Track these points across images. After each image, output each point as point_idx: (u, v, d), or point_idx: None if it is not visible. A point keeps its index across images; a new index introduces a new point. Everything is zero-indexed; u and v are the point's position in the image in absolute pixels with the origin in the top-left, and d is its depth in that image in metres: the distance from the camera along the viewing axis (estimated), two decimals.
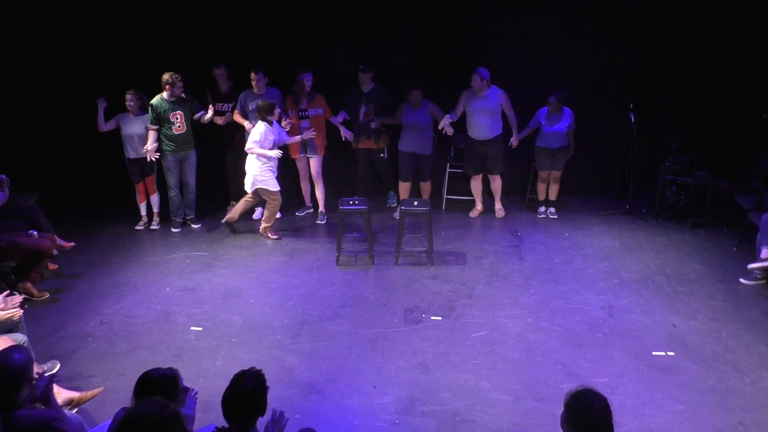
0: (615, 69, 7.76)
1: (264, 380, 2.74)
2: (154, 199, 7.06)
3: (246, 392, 2.65)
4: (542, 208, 7.46)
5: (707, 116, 7.59)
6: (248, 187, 6.58)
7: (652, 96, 7.88)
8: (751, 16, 7.12)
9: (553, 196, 7.43)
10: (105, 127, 6.80)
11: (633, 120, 7.24)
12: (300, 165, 7.28)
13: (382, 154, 7.47)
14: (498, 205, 7.46)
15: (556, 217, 7.36)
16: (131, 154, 6.80)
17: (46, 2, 7.28)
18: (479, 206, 7.49)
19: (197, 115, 6.81)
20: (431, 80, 7.40)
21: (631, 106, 7.30)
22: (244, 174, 6.61)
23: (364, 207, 6.16)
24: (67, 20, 7.40)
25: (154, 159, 6.66)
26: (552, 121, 7.09)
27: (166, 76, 6.56)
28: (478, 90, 6.85)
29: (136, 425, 2.25)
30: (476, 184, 7.41)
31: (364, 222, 6.30)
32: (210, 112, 6.83)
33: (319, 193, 7.26)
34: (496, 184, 7.37)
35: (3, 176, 5.36)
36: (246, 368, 2.78)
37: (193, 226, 7.09)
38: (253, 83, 6.78)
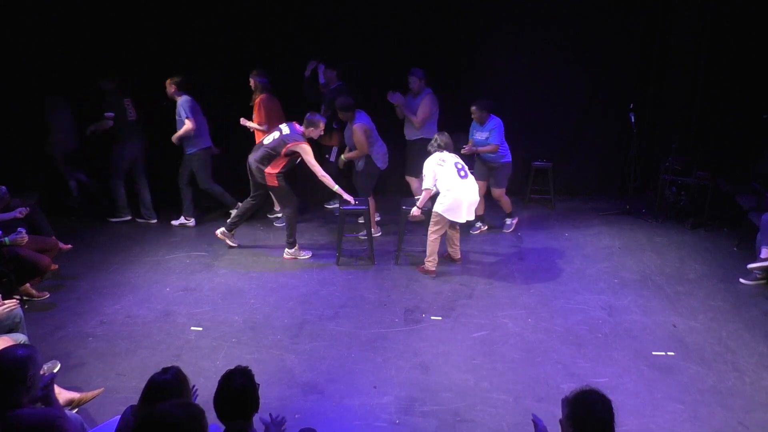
0: (615, 69, 7.77)
1: (252, 377, 2.75)
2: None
3: (235, 390, 2.67)
4: (478, 223, 6.96)
5: (707, 116, 7.59)
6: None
7: (652, 96, 7.88)
8: (750, 16, 7.12)
9: (506, 209, 7.02)
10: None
11: (633, 120, 7.24)
12: None
13: (327, 155, 7.14)
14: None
15: (484, 229, 7.00)
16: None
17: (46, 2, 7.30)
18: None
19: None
20: (432, 84, 7.38)
21: (631, 106, 7.30)
22: None
23: (364, 207, 6.16)
24: (66, 17, 7.40)
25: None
26: (476, 131, 6.63)
27: None
28: (416, 92, 6.79)
29: (162, 425, 2.25)
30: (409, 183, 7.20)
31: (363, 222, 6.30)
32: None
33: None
34: (412, 186, 7.08)
35: (3, 188, 5.39)
36: (232, 366, 2.79)
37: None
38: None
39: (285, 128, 6.05)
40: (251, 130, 6.93)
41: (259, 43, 7.76)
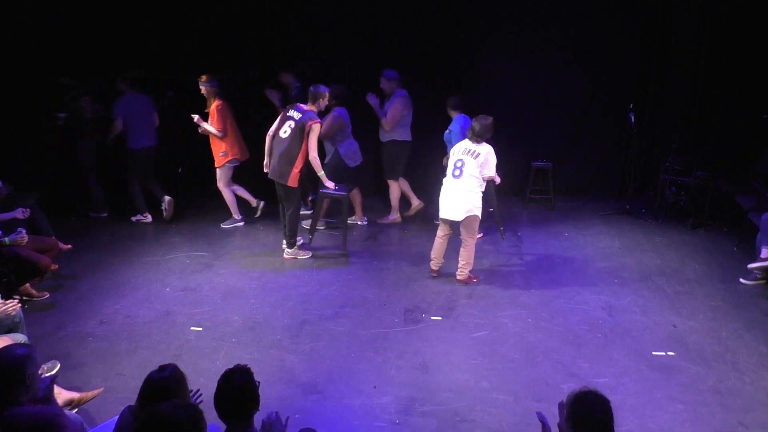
0: (615, 69, 7.77)
1: (252, 376, 2.74)
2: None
3: (234, 390, 2.66)
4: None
5: (707, 116, 7.59)
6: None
7: (652, 96, 7.88)
8: (750, 16, 7.12)
9: None
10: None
11: (633, 120, 7.24)
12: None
13: None
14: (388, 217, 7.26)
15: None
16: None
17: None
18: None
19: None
20: (432, 84, 7.40)
21: (631, 106, 7.30)
22: None
23: (343, 193, 6.24)
24: (66, 18, 7.41)
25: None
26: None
27: None
28: (388, 93, 6.81)
29: (162, 425, 2.25)
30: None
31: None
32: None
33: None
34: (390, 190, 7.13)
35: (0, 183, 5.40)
36: (232, 366, 2.78)
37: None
38: None
39: (294, 113, 5.93)
40: (205, 133, 6.74)
41: (259, 43, 7.76)
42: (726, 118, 7.39)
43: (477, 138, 5.49)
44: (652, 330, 4.87)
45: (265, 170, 6.18)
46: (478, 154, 5.45)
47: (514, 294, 5.50)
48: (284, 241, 6.27)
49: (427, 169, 7.38)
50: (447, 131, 6.58)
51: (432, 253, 5.81)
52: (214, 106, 6.66)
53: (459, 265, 5.64)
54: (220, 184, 6.93)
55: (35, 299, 5.31)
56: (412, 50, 7.72)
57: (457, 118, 6.53)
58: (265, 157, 6.15)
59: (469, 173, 5.45)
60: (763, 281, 5.60)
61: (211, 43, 7.70)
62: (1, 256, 4.88)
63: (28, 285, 5.26)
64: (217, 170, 6.88)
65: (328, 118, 6.40)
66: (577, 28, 7.63)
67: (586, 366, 4.40)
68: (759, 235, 5.65)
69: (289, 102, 6.52)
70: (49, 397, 2.96)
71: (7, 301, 4.00)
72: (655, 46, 7.76)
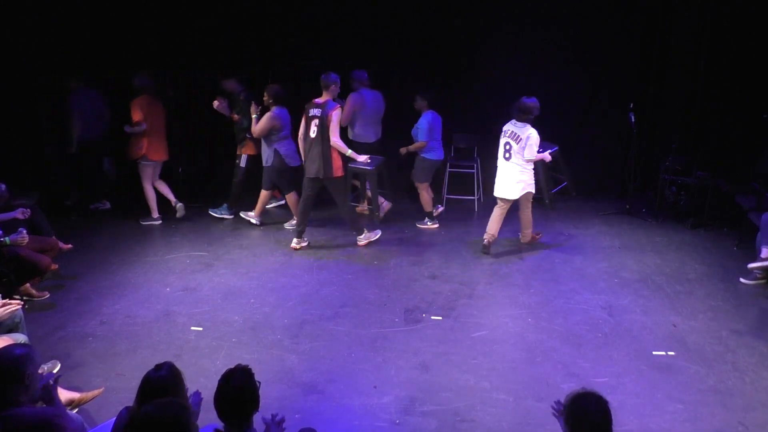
0: (615, 69, 7.77)
1: (252, 375, 2.74)
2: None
3: (235, 390, 2.66)
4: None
5: (707, 116, 7.59)
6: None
7: (652, 96, 7.88)
8: (750, 16, 7.12)
9: (424, 206, 7.07)
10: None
11: (633, 120, 7.24)
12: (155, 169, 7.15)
13: (237, 161, 7.10)
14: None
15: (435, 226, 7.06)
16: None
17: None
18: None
19: None
20: (432, 84, 7.39)
21: (631, 106, 7.30)
22: None
23: (370, 167, 6.57)
24: (66, 18, 7.41)
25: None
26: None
27: None
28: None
29: (151, 425, 2.25)
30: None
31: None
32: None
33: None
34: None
35: (2, 186, 5.39)
36: (232, 366, 2.78)
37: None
38: None
39: (314, 109, 6.07)
40: (131, 132, 6.80)
41: (259, 43, 7.76)
42: (726, 118, 7.39)
43: (522, 115, 6.01)
44: (652, 330, 4.87)
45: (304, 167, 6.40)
46: (520, 138, 6.01)
47: (514, 294, 5.50)
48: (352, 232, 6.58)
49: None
50: (414, 128, 6.81)
51: (487, 227, 6.32)
52: (136, 100, 6.74)
53: (521, 230, 6.48)
54: (142, 181, 7.08)
55: (35, 299, 5.31)
56: (412, 50, 7.72)
57: (425, 114, 6.75)
58: (303, 158, 6.34)
59: (516, 155, 6.06)
60: (763, 281, 5.60)
61: (211, 43, 7.71)
62: (1, 256, 4.88)
63: (28, 285, 5.26)
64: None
65: (265, 117, 6.46)
66: (577, 28, 7.63)
67: (586, 366, 4.40)
68: (759, 234, 5.65)
69: (236, 109, 6.81)
70: (52, 397, 2.96)
71: (11, 301, 3.99)
72: (655, 46, 7.76)
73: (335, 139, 6.03)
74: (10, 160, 6.96)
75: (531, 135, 5.97)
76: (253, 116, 6.53)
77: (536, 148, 6.03)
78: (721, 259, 6.19)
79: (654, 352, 4.55)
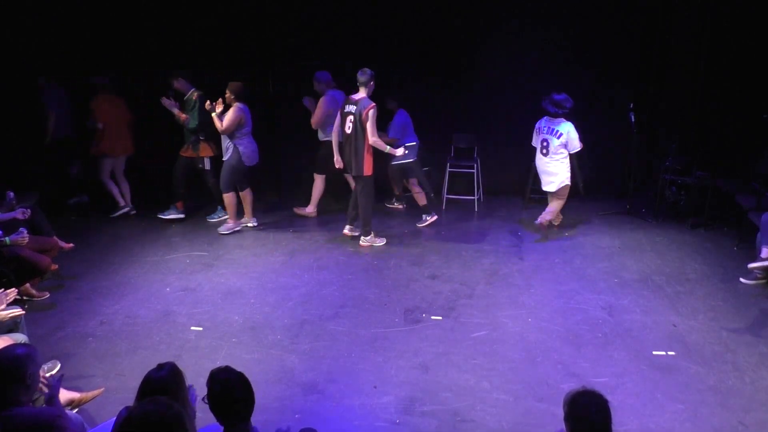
0: (615, 69, 7.77)
1: (235, 376, 2.66)
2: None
3: (218, 394, 2.59)
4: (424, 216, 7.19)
5: (707, 116, 7.59)
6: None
7: (652, 96, 7.88)
8: (750, 16, 7.12)
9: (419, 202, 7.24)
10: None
11: (633, 120, 7.24)
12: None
13: (201, 165, 7.07)
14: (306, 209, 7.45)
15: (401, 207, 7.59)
16: None
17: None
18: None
19: None
20: (432, 84, 7.39)
21: (631, 106, 7.30)
22: None
23: (411, 159, 6.74)
24: (66, 17, 7.41)
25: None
26: None
27: None
28: (319, 94, 6.93)
29: (138, 425, 2.25)
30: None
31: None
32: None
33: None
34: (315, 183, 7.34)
35: (11, 194, 5.40)
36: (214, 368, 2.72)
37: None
38: None
39: (348, 106, 6.16)
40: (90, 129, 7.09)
41: (259, 43, 7.76)
42: (726, 118, 7.38)
43: (557, 108, 6.26)
44: (652, 330, 4.87)
45: (337, 166, 6.54)
46: (561, 134, 6.33)
47: (514, 294, 5.50)
48: (347, 227, 6.66)
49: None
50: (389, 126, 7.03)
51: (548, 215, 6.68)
52: (96, 99, 7.03)
53: (543, 214, 6.64)
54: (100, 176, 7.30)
55: (35, 299, 5.31)
56: (412, 50, 7.72)
57: (399, 112, 6.97)
58: (335, 155, 6.48)
59: (554, 150, 6.40)
60: (763, 281, 5.60)
61: (211, 43, 7.71)
62: (1, 256, 4.88)
63: (28, 285, 5.26)
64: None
65: (232, 110, 6.46)
66: (577, 28, 7.63)
67: (586, 366, 4.40)
68: (759, 234, 5.65)
69: (186, 109, 6.81)
70: (54, 398, 2.96)
71: (14, 308, 3.97)
72: (655, 46, 7.76)
73: (374, 139, 6.12)
74: (10, 160, 6.97)
75: (570, 129, 6.31)
76: (214, 114, 6.47)
77: (577, 141, 6.35)
78: (721, 259, 6.19)
79: (654, 352, 4.55)
